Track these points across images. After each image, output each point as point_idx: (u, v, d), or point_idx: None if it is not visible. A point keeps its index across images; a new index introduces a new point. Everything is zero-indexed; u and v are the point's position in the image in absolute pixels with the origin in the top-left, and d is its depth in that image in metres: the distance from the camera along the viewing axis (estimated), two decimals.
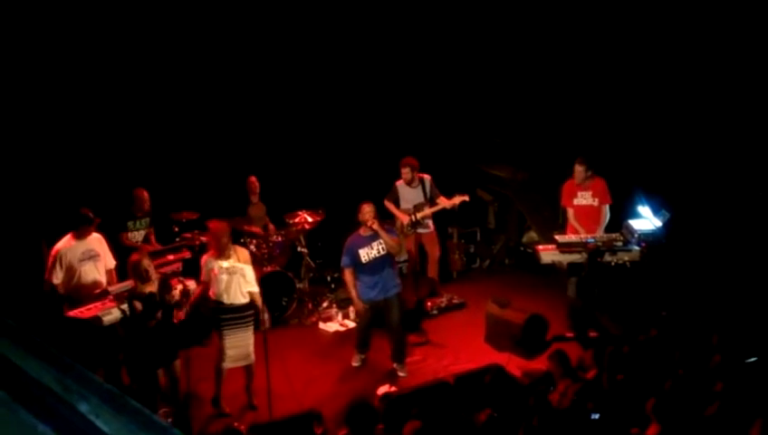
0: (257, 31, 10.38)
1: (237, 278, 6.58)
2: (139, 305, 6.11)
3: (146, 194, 8.30)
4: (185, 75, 9.98)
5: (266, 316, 6.89)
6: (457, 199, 8.85)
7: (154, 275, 6.32)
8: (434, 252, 9.23)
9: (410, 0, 11.07)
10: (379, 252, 7.29)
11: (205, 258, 6.71)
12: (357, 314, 8.11)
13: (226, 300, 6.58)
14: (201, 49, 10.04)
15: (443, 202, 8.91)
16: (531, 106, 11.30)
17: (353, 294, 7.45)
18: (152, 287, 6.25)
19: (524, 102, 11.33)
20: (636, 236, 7.89)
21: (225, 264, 6.58)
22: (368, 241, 7.28)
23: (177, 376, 6.50)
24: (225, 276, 6.56)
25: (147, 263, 6.29)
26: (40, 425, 1.02)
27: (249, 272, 6.66)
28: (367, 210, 7.24)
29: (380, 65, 11.15)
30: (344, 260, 7.41)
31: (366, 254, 7.27)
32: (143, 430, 1.04)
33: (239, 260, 6.66)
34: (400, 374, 7.55)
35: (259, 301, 6.74)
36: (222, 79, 10.32)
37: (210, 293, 6.62)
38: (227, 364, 6.72)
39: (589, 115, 10.62)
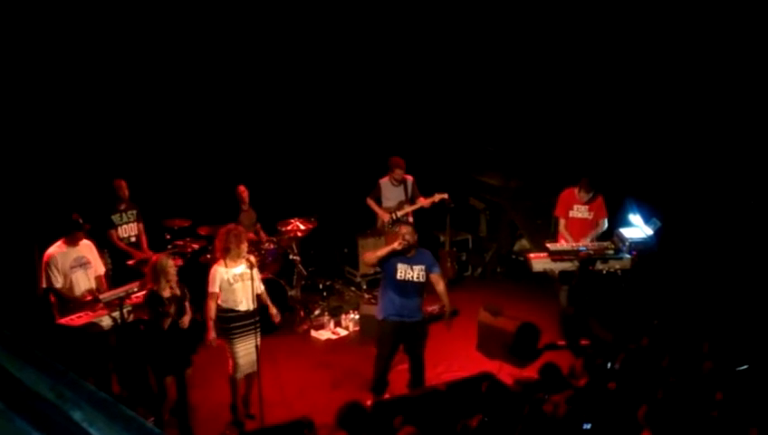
0: (249, 40, 10.39)
1: (249, 284, 6.48)
2: (155, 306, 6.10)
3: (123, 183, 8.23)
4: (178, 81, 9.97)
5: (275, 310, 6.78)
6: (437, 197, 9.26)
7: (173, 279, 6.26)
8: None
9: (403, 9, 11.10)
10: (416, 277, 6.79)
11: (214, 268, 6.54)
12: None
13: (242, 307, 6.52)
14: (193, 56, 10.04)
15: (421, 202, 9.33)
16: (523, 114, 11.34)
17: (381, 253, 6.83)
18: (168, 291, 6.20)
19: (517, 111, 11.37)
20: (627, 244, 7.92)
21: (237, 270, 6.53)
22: (410, 261, 6.78)
23: (187, 384, 6.48)
24: (239, 284, 6.50)
25: (164, 263, 6.23)
26: (34, 433, 1.03)
27: (257, 275, 6.57)
28: (403, 231, 6.85)
29: (373, 74, 11.18)
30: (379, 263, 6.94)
31: (403, 271, 6.75)
32: None
33: (247, 266, 6.54)
34: None
35: (267, 299, 6.71)
36: (215, 85, 10.32)
37: (219, 301, 6.49)
38: (240, 374, 6.66)
39: (581, 124, 10.68)
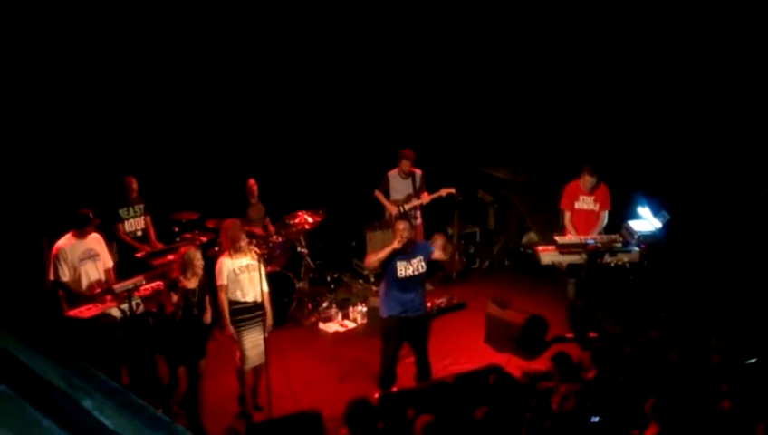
0: (256, 33, 10.39)
1: (255, 275, 6.50)
2: (175, 298, 6.13)
3: (134, 180, 8.30)
4: (187, 75, 9.99)
5: (270, 321, 6.72)
6: (444, 192, 9.27)
7: (198, 272, 6.30)
8: None
9: (411, 1, 11.08)
10: (416, 270, 6.80)
11: (220, 260, 6.56)
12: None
13: (250, 298, 6.53)
14: (200, 50, 10.05)
15: (424, 197, 9.35)
16: (532, 107, 11.31)
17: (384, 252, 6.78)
18: (190, 283, 6.22)
19: (526, 104, 11.34)
20: (635, 237, 7.89)
21: (244, 261, 6.54)
22: (407, 257, 6.77)
23: (201, 374, 6.52)
24: (245, 275, 6.52)
25: (191, 256, 6.27)
26: (45, 420, 1.03)
27: (263, 269, 6.57)
28: (400, 228, 6.79)
29: (381, 66, 11.16)
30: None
31: (403, 268, 6.75)
32: (146, 426, 1.06)
33: (253, 258, 6.57)
34: None
35: (268, 302, 6.63)
36: (222, 79, 10.33)
37: (223, 294, 6.48)
38: (248, 366, 6.69)
39: (589, 116, 10.64)
